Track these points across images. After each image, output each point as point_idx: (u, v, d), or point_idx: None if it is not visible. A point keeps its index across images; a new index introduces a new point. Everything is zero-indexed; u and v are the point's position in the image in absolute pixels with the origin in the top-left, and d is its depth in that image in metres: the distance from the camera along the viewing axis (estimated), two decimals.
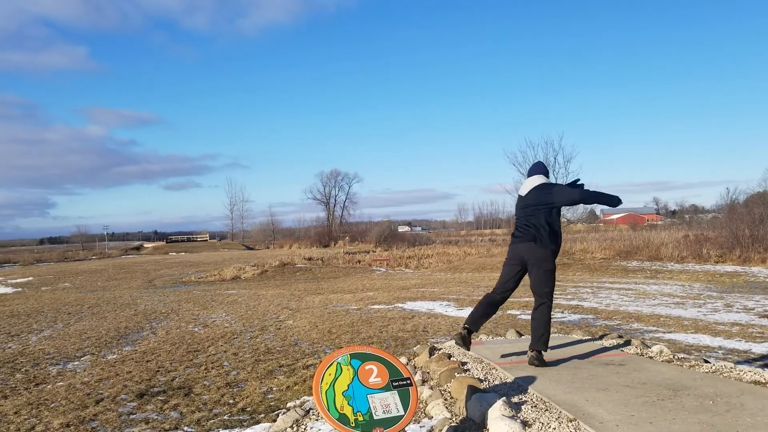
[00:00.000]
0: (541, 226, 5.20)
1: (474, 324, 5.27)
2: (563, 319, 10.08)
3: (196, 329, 10.41)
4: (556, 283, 16.93)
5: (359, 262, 34.73)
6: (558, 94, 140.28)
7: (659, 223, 73.59)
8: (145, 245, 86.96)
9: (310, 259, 34.39)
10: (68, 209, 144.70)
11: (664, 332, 8.79)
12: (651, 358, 5.42)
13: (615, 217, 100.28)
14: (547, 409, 3.87)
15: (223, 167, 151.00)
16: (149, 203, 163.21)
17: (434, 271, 27.33)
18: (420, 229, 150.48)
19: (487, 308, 5.40)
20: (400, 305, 12.77)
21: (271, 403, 5.55)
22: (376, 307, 12.62)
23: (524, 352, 5.74)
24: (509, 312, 10.94)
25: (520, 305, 11.94)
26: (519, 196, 5.54)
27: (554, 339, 6.69)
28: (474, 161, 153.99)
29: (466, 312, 11.23)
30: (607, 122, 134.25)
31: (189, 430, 4.91)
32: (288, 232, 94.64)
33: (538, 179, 5.40)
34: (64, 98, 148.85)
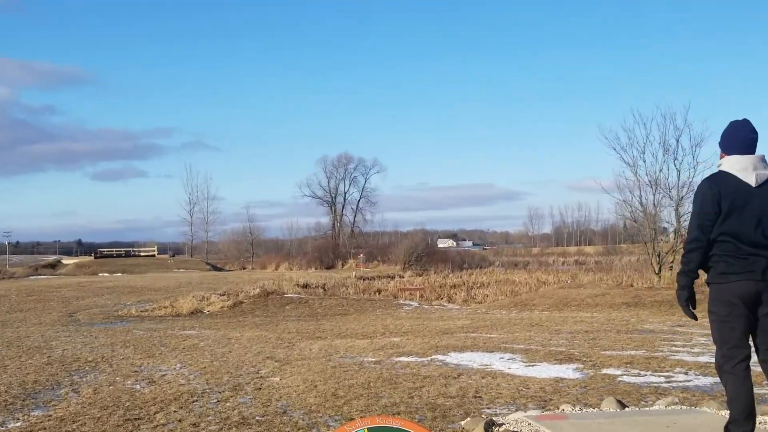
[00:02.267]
0: None
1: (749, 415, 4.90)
2: (687, 384, 9.94)
3: (138, 387, 10.46)
4: (679, 329, 16.60)
5: (379, 291, 34.73)
6: (679, 44, 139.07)
7: None
8: (64, 261, 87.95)
9: (306, 286, 34.46)
10: None
11: None
12: None
13: None
14: None
15: (179, 148, 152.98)
16: (71, 199, 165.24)
17: (491, 308, 27.19)
18: (470, 243, 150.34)
19: (741, 381, 4.93)
20: (439, 357, 12.70)
21: None
22: (403, 359, 12.57)
23: None
24: (605, 371, 10.83)
25: (622, 361, 11.81)
26: (746, 186, 4.90)
27: (669, 413, 6.60)
28: (553, 145, 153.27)
29: (538, 369, 11.14)
30: (756, 88, 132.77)
31: None
32: (274, 246, 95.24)
33: None
34: None
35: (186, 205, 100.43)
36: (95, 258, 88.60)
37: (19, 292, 37.15)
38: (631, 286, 28.40)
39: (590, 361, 11.94)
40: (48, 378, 11.47)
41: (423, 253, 60.85)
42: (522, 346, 14.10)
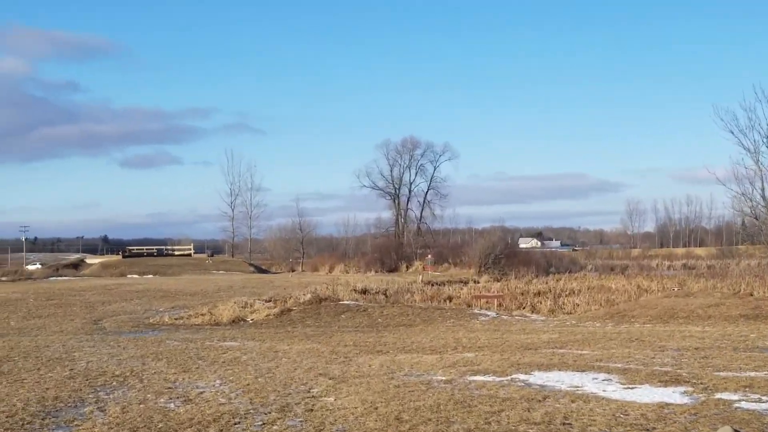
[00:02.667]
0: None
1: None
2: None
3: (172, 405, 10.60)
4: None
5: (450, 299, 34.63)
6: None
7: None
8: (87, 260, 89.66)
9: (364, 291, 34.53)
10: None
11: None
12: None
13: None
14: None
15: (219, 131, 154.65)
16: (95, 189, 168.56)
17: (583, 320, 26.93)
18: (558, 243, 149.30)
19: None
20: (521, 377, 12.64)
21: None
22: (479, 378, 12.54)
23: None
24: (719, 396, 10.65)
25: (739, 384, 11.60)
26: None
27: None
28: (657, 128, 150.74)
29: (638, 392, 11.01)
30: None
31: None
32: (327, 245, 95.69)
33: None
34: None
35: (226, 196, 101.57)
36: (123, 257, 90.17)
37: (38, 295, 37.94)
38: (751, 295, 27.85)
39: (701, 383, 11.75)
40: (70, 394, 11.69)
41: (502, 254, 60.55)
42: (619, 365, 13.95)
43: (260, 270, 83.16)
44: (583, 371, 13.26)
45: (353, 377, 12.88)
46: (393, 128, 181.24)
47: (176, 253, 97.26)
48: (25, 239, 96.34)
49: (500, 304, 32.94)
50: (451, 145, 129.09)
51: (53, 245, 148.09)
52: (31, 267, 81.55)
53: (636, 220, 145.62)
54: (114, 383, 12.73)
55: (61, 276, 68.45)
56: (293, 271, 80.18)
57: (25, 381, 13.05)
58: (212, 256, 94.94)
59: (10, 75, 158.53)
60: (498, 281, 48.90)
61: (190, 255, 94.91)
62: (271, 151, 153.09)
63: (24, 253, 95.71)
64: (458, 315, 28.56)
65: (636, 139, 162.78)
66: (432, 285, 43.16)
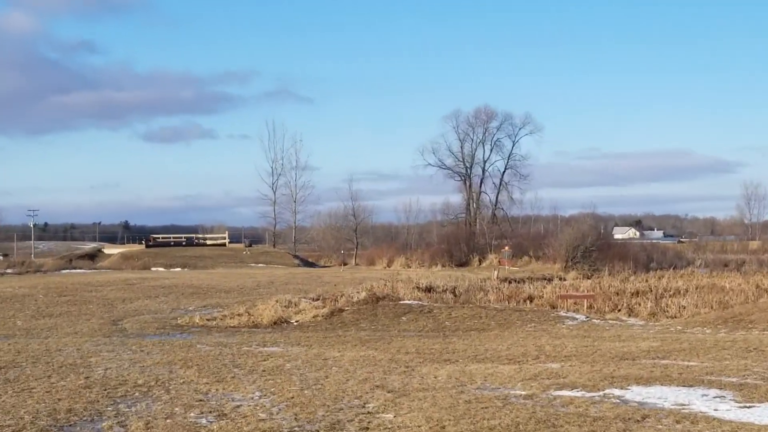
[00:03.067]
0: None
1: None
2: None
3: (204, 421, 10.70)
4: None
5: (531, 299, 34.46)
6: None
7: None
8: (105, 250, 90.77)
9: (429, 289, 34.45)
10: None
11: None
12: None
13: None
14: None
15: (259, 99, 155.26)
16: (114, 167, 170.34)
17: (690, 325, 26.70)
18: (660, 234, 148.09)
19: None
20: (616, 392, 12.58)
21: None
22: (565, 393, 12.50)
23: None
24: None
25: None
26: None
27: None
28: None
29: (757, 413, 10.88)
30: None
31: None
32: (386, 234, 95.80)
33: None
34: None
35: (267, 176, 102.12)
36: (147, 247, 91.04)
37: (48, 290, 38.45)
38: None
39: None
40: (86, 406, 11.83)
41: (593, 246, 60.19)
42: (734, 380, 13.82)
43: (306, 263, 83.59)
44: (691, 386, 13.17)
45: (416, 390, 12.90)
46: (464, 96, 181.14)
47: (208, 242, 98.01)
48: (34, 225, 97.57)
49: (591, 306, 32.75)
50: (533, 116, 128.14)
51: (66, 232, 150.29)
52: None
53: (755, 206, 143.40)
54: (136, 394, 12.87)
55: (75, 268, 69.35)
56: (345, 264, 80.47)
57: (34, 390, 13.24)
58: (250, 246, 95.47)
59: (17, 34, 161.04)
60: (588, 278, 48.58)
61: (224, 245, 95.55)
62: (319, 122, 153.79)
63: (32, 242, 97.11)
64: (540, 318, 28.49)
65: (755, 109, 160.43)
66: (509, 282, 43.00)
